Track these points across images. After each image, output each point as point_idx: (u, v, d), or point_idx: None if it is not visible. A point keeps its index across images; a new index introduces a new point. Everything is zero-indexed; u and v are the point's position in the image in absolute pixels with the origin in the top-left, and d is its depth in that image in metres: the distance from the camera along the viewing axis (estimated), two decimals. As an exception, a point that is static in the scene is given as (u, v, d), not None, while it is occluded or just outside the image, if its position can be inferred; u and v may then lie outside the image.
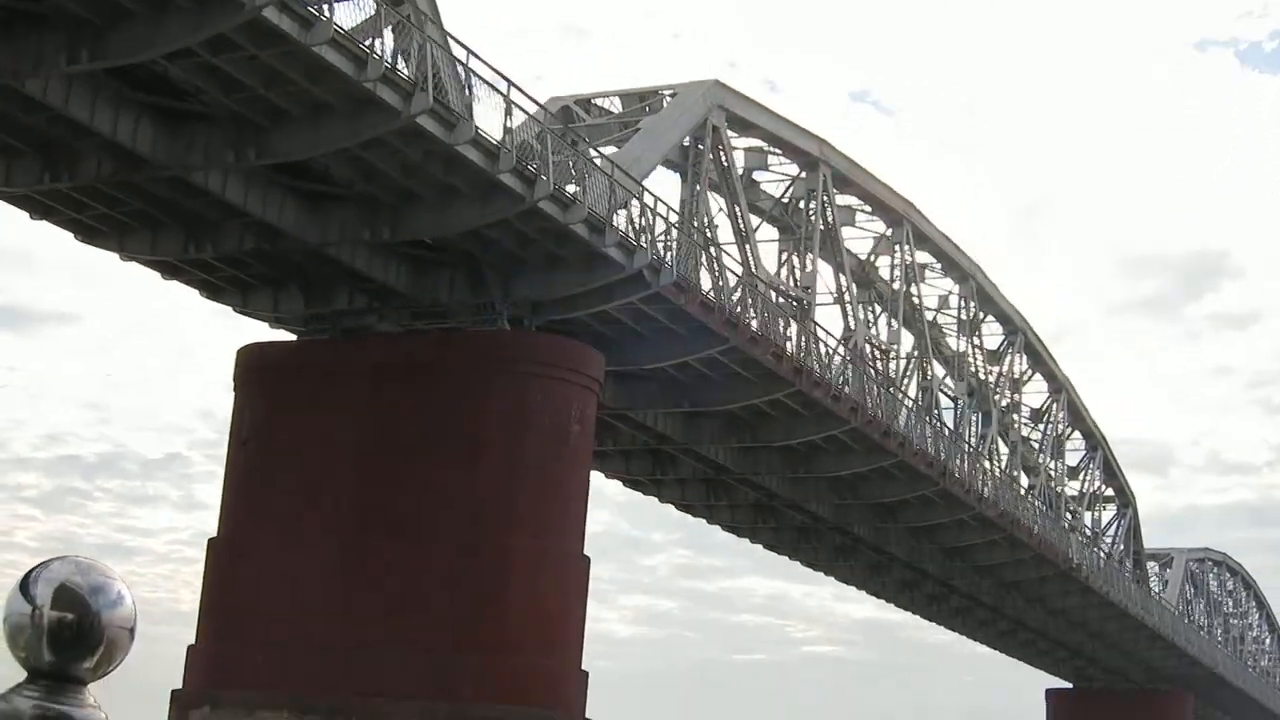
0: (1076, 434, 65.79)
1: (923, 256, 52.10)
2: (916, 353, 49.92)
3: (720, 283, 34.83)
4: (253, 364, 32.64)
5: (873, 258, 49.85)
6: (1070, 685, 73.68)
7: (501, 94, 27.63)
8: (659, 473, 43.78)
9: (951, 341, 54.35)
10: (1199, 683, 72.57)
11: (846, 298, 45.37)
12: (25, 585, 1.56)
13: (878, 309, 49.78)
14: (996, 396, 56.04)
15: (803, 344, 38.15)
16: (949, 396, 52.79)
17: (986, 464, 50.69)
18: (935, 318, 53.83)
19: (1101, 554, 66.00)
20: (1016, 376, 61.34)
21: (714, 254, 35.47)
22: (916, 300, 50.80)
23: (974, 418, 54.84)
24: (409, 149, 26.81)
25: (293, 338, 33.73)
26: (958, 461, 47.30)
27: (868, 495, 45.17)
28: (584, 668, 31.17)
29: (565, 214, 29.02)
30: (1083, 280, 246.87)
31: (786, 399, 37.85)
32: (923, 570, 54.03)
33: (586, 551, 31.45)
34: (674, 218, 34.40)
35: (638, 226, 31.80)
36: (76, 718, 1.55)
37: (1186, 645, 68.68)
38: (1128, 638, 64.78)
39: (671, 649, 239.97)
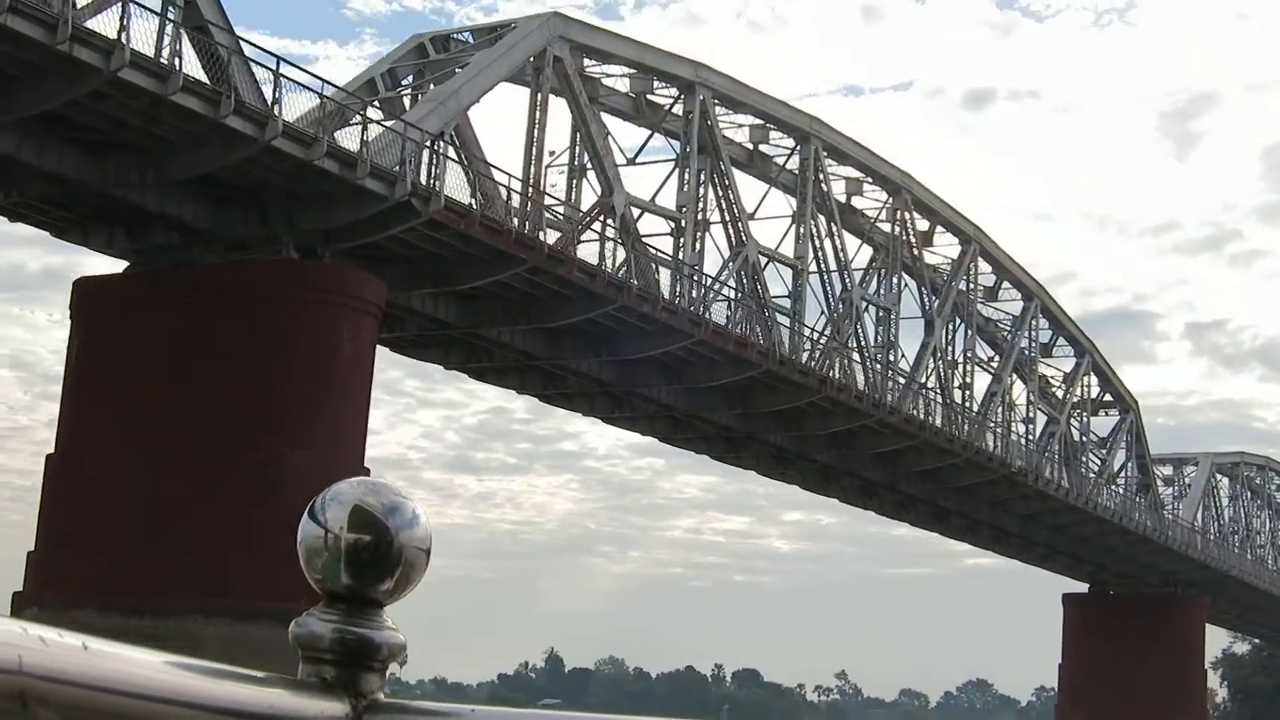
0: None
1: (849, 171, 53.35)
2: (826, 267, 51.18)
3: (509, 204, 37.01)
4: (83, 295, 35.98)
5: (796, 178, 51.13)
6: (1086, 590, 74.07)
7: (225, 46, 30.35)
8: (549, 388, 46.22)
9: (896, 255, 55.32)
10: (1216, 585, 72.36)
11: (736, 214, 47.04)
12: (314, 509, 1.55)
13: (820, 223, 51.22)
14: (946, 306, 56.86)
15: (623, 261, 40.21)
16: (879, 307, 53.89)
17: (879, 368, 51.80)
18: (871, 230, 54.99)
19: (1093, 461, 66.47)
20: (989, 286, 62.23)
21: (506, 180, 37.63)
22: (834, 223, 52.11)
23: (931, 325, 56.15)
24: (134, 101, 29.64)
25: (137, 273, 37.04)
26: (854, 371, 48.82)
27: (757, 405, 46.95)
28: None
29: (307, 151, 31.58)
30: (1234, 183, 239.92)
31: (619, 314, 39.89)
32: (867, 478, 55.48)
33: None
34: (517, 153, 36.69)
35: (426, 161, 34.32)
36: (377, 640, 1.54)
37: (1186, 549, 68.64)
38: (1112, 541, 65.12)
39: (828, 563, 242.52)
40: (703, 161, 46.34)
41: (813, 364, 46.43)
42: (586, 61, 43.59)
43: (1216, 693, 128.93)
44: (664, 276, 43.36)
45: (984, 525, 63.22)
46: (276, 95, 31.04)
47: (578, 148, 43.10)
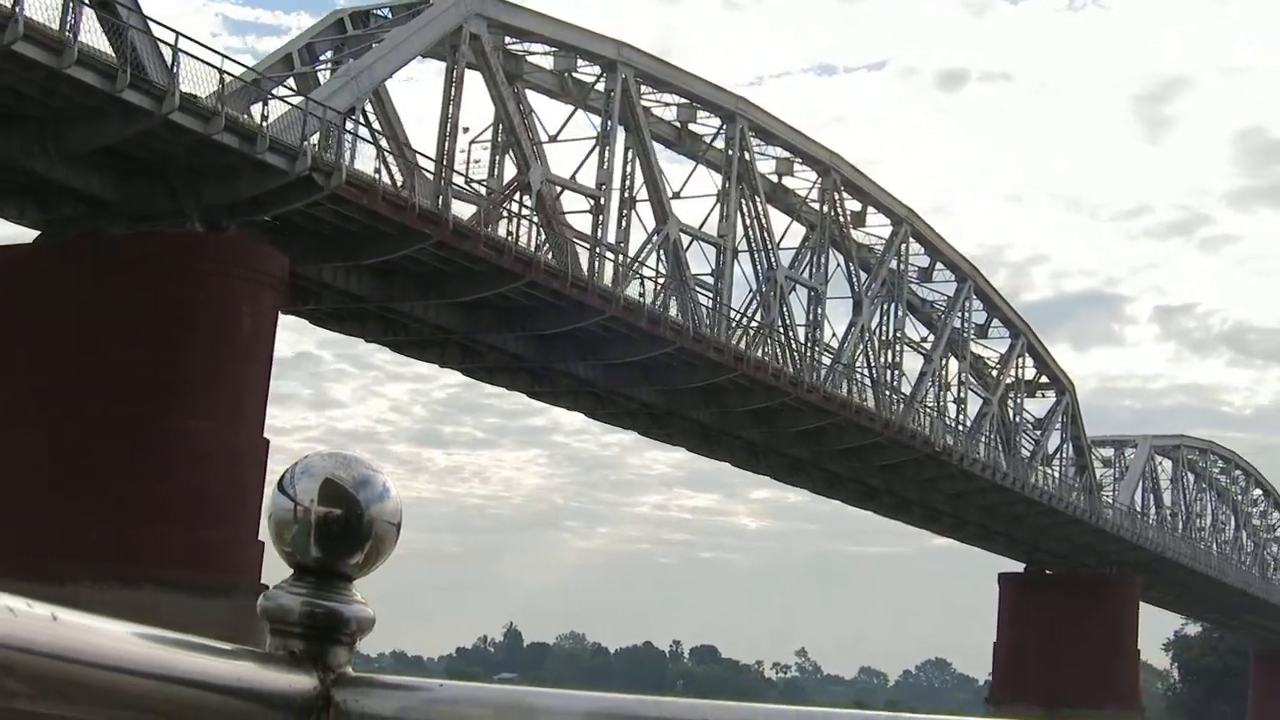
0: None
1: (777, 151, 53.85)
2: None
3: (413, 180, 37.48)
4: (-6, 267, 36.36)
5: (723, 152, 51.62)
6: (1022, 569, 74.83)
7: (126, 6, 30.84)
8: (469, 362, 46.74)
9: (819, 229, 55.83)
10: (1150, 566, 73.21)
11: (659, 191, 47.52)
12: (284, 482, 1.54)
13: (747, 201, 51.72)
14: (875, 286, 57.43)
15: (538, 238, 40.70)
16: (808, 286, 54.42)
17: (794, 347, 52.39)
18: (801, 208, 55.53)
19: (1027, 442, 67.21)
20: (924, 267, 62.82)
21: (411, 155, 38.07)
22: (759, 201, 52.62)
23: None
24: (30, 74, 30.02)
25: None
26: (779, 351, 49.43)
27: (676, 382, 47.50)
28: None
29: (206, 125, 32.00)
30: (1206, 167, 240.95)
31: (530, 290, 40.41)
32: (795, 455, 56.09)
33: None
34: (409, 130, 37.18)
35: (332, 138, 34.80)
36: (346, 614, 1.54)
37: (1119, 530, 69.46)
38: (1044, 521, 65.90)
39: (793, 541, 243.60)
40: (629, 140, 46.89)
41: (732, 341, 46.97)
42: (510, 39, 44.03)
43: (1170, 673, 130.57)
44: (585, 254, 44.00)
45: (913, 504, 63.93)
46: (174, 69, 31.44)
47: (501, 124, 43.61)
